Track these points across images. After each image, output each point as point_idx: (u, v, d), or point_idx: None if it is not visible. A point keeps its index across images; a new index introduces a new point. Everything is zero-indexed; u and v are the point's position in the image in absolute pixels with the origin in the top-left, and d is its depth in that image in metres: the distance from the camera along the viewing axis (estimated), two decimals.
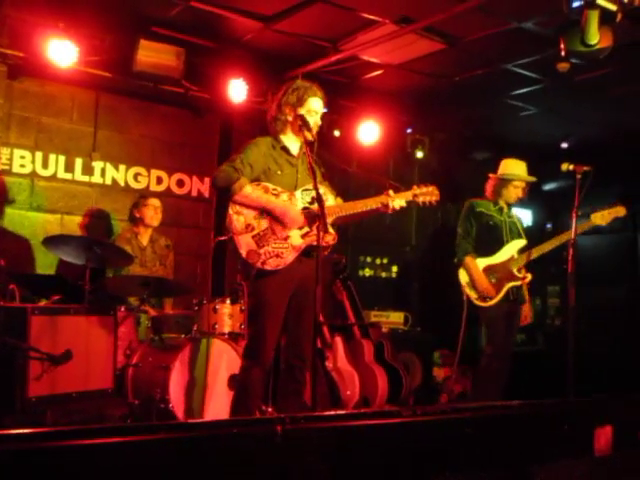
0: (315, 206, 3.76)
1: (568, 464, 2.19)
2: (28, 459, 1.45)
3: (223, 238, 3.95)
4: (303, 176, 3.91)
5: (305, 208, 3.85)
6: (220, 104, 6.32)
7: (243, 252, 3.70)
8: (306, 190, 3.87)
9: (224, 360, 4.69)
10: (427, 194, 3.98)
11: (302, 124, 3.73)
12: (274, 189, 3.81)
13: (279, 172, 3.86)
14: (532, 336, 8.39)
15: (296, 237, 3.79)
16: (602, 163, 4.68)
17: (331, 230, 3.75)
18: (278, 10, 5.18)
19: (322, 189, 3.82)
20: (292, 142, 3.97)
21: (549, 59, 5.41)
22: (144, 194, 6.14)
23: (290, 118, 3.90)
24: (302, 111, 3.85)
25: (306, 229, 3.81)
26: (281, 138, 3.96)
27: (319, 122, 3.94)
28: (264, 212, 3.77)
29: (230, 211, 3.78)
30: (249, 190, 3.75)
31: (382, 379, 5.85)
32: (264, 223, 3.77)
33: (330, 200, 3.92)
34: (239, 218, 3.76)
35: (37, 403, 3.99)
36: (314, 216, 3.75)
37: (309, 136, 3.70)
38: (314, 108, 3.89)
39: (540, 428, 2.24)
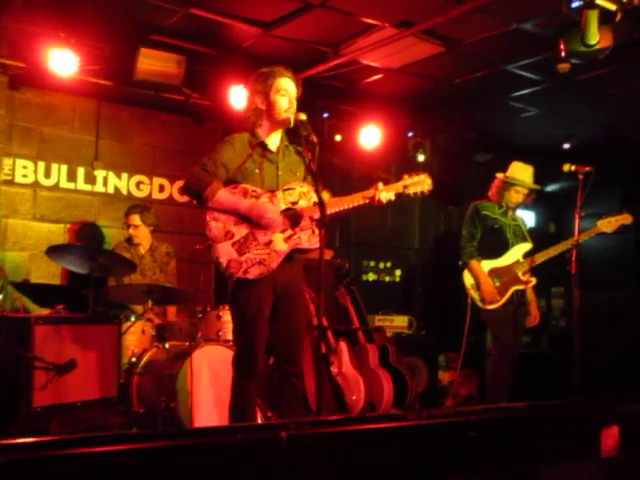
0: (299, 205, 3.62)
1: (574, 466, 2.18)
2: (34, 468, 1.45)
3: (200, 246, 3.78)
4: (285, 172, 3.68)
5: (288, 209, 3.61)
6: (221, 111, 6.30)
7: (224, 261, 3.48)
8: (288, 189, 3.63)
9: (228, 367, 4.68)
10: (418, 183, 3.63)
11: (301, 127, 3.41)
12: (253, 191, 3.56)
13: (257, 171, 3.60)
14: (537, 338, 8.37)
15: (279, 242, 3.56)
16: (604, 163, 4.67)
17: (316, 231, 3.54)
18: (277, 16, 5.19)
19: (305, 187, 3.66)
20: (270, 136, 3.70)
21: (549, 60, 5.42)
22: (144, 204, 5.98)
23: (263, 107, 3.64)
24: (275, 95, 3.60)
25: (289, 232, 3.58)
26: (258, 133, 3.69)
27: (294, 102, 3.62)
28: (242, 217, 3.53)
29: (207, 218, 3.54)
30: (222, 195, 3.51)
31: (387, 383, 5.83)
32: (244, 229, 3.54)
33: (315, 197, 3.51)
34: (217, 225, 3.53)
35: (42, 412, 3.99)
36: (297, 217, 3.58)
37: (314, 138, 3.36)
38: (284, 87, 3.62)
39: (546, 429, 2.23)
